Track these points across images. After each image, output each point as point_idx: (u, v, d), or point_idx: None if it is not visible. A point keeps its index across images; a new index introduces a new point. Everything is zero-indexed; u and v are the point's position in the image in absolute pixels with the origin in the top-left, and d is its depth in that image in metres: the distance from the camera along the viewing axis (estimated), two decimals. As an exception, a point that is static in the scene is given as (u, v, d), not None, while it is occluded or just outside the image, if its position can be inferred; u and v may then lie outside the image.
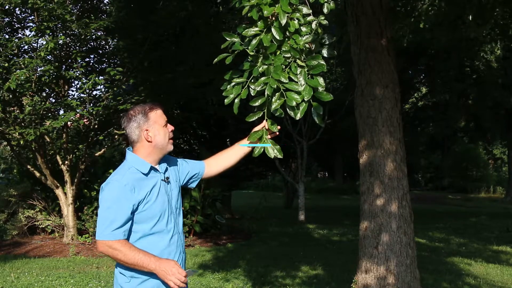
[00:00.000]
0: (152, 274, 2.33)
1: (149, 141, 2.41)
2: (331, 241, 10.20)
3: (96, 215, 9.27)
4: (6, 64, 8.14)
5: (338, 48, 10.78)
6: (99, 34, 9.51)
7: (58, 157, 9.54)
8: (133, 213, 2.33)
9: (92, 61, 10.21)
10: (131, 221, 2.33)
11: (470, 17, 6.13)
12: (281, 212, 16.13)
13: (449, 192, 28.87)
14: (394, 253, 4.40)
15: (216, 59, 2.45)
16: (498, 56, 17.97)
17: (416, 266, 4.51)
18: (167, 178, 2.49)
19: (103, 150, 10.23)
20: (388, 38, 4.61)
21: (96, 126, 9.72)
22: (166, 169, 2.52)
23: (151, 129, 2.40)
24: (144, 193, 2.35)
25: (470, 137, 26.58)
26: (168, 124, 2.47)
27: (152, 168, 2.42)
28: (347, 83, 15.91)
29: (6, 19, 8.99)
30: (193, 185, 2.74)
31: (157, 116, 2.43)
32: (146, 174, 2.39)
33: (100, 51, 10.41)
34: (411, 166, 22.74)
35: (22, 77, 7.98)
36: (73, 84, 10.19)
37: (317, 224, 12.64)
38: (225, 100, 2.40)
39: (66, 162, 9.52)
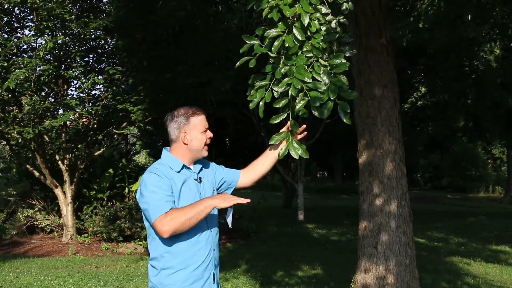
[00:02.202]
0: (182, 266, 2.40)
1: (185, 143, 2.51)
2: (330, 241, 10.20)
3: (96, 214, 9.36)
4: (5, 64, 8.14)
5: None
6: (98, 33, 9.51)
7: (57, 157, 9.54)
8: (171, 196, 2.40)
9: (91, 61, 10.21)
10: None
11: (470, 17, 6.14)
12: (280, 211, 16.13)
13: (448, 191, 28.88)
14: (393, 253, 4.40)
15: (238, 63, 2.44)
16: (497, 55, 17.97)
17: (415, 265, 4.51)
18: (200, 178, 2.56)
19: (102, 149, 10.22)
20: (387, 38, 4.60)
21: (95, 126, 9.72)
22: (201, 170, 2.60)
23: (189, 133, 2.50)
24: (176, 185, 2.42)
25: (469, 137, 26.57)
26: (208, 131, 2.55)
27: (184, 166, 2.51)
28: (346, 83, 15.89)
29: (5, 19, 8.99)
30: (229, 192, 2.76)
31: (198, 121, 2.51)
32: (178, 172, 2.47)
33: (99, 51, 10.41)
34: (410, 165, 22.79)
35: (21, 77, 7.99)
36: (72, 84, 10.20)
37: (316, 224, 12.64)
38: (250, 105, 2.40)
39: (65, 161, 9.52)
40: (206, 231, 2.50)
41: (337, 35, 2.27)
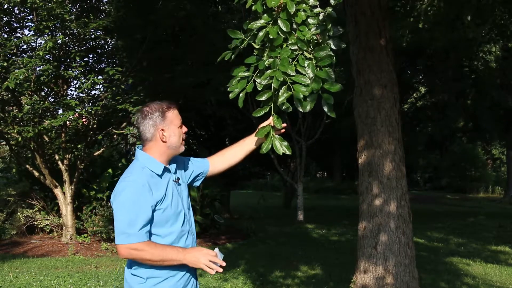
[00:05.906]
0: (170, 274, 2.30)
1: (163, 141, 2.33)
2: (329, 241, 10.20)
3: (95, 214, 9.35)
4: (5, 64, 8.13)
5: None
6: (98, 33, 9.51)
7: (56, 157, 9.53)
8: (152, 213, 2.25)
9: (91, 61, 10.21)
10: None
11: (469, 17, 6.15)
12: (280, 212, 16.13)
13: (447, 192, 28.86)
14: (393, 253, 4.41)
15: (219, 58, 2.38)
16: (496, 56, 18.01)
17: (414, 266, 4.52)
18: (178, 179, 2.43)
19: (101, 149, 10.22)
20: (386, 38, 4.61)
21: (95, 126, 9.72)
22: (176, 170, 2.46)
23: (167, 129, 2.33)
24: (161, 194, 2.27)
25: (468, 137, 26.61)
26: (183, 126, 2.40)
27: (165, 169, 2.35)
28: (346, 83, 15.89)
29: (5, 18, 8.99)
30: (197, 183, 2.66)
31: (174, 115, 2.35)
32: (160, 175, 2.32)
33: (99, 51, 10.41)
34: (410, 166, 22.78)
35: (21, 77, 7.98)
36: (72, 84, 10.20)
37: (316, 224, 12.64)
38: (230, 95, 2.32)
39: (65, 161, 9.51)
40: (190, 235, 2.41)
41: (324, 28, 2.20)
